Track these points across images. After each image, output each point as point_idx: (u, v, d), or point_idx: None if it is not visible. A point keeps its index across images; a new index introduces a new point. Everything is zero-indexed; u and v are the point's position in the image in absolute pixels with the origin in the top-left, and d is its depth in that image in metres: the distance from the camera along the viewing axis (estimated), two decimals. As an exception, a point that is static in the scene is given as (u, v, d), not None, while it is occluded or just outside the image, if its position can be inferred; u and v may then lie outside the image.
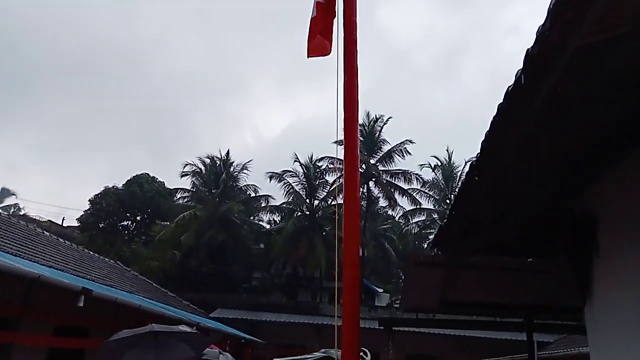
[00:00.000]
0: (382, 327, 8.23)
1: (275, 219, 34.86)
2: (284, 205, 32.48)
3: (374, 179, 31.93)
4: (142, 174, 37.63)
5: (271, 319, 22.49)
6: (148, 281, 18.48)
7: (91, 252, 16.17)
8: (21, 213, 37.95)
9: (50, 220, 34.37)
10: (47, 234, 13.57)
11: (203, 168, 33.96)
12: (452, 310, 6.64)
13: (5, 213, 14.39)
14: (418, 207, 33.74)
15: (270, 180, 31.86)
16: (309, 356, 3.80)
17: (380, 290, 33.61)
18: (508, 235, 3.84)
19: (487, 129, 2.32)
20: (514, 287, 5.47)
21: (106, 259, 16.99)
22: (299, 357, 3.87)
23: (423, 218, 34.51)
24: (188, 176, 33.52)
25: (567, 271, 3.91)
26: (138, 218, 36.95)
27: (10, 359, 7.14)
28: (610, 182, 3.02)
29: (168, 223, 31.51)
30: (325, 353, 4.63)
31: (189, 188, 33.70)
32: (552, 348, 14.03)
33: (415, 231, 35.36)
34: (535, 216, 3.45)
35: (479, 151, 2.58)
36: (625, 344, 2.78)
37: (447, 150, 36.21)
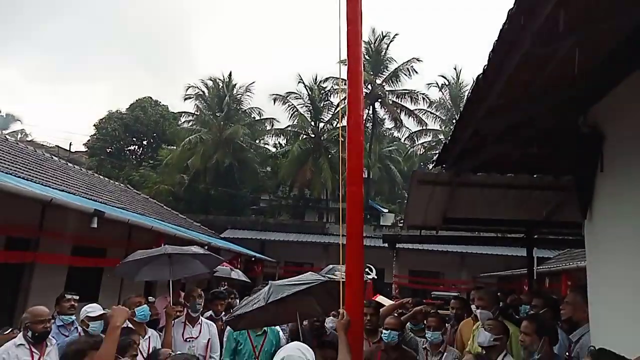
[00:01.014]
0: (386, 244, 8.51)
1: (281, 142, 34.92)
2: (289, 129, 32.36)
3: (379, 100, 31.42)
4: (145, 97, 37.26)
5: (280, 238, 23.25)
6: (159, 204, 18.95)
7: (101, 176, 16.46)
8: (28, 139, 38.17)
9: (57, 146, 34.60)
10: (56, 158, 13.72)
11: (206, 91, 33.50)
12: (455, 227, 6.81)
13: (13, 139, 14.47)
14: (424, 128, 33.51)
15: (275, 102, 31.51)
16: (310, 279, 3.88)
17: (385, 210, 34.39)
18: (512, 152, 3.83)
19: (496, 38, 2.23)
20: (515, 204, 5.55)
21: (116, 183, 17.32)
22: (299, 277, 3.97)
23: (429, 139, 34.40)
24: (191, 99, 33.19)
25: (569, 187, 3.94)
26: (144, 142, 37.17)
27: (33, 275, 7.56)
28: (619, 96, 2.94)
29: (174, 147, 31.69)
30: (332, 269, 4.78)
31: (193, 112, 33.50)
32: (551, 263, 14.56)
33: (421, 153, 35.41)
34: (540, 132, 3.41)
35: (486, 63, 2.50)
36: (622, 254, 2.86)
37: (455, 69, 35.24)
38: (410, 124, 33.12)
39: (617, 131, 3.01)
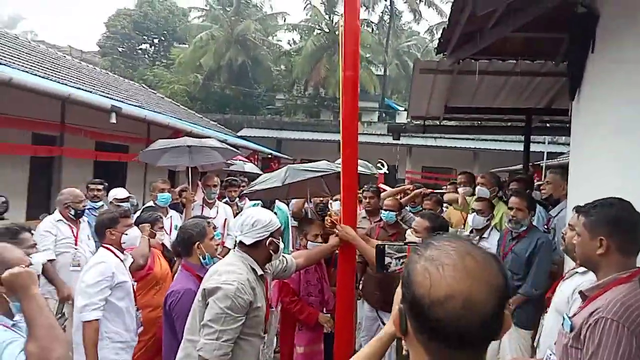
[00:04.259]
0: (392, 135, 8.68)
1: (294, 38, 33.81)
2: (303, 23, 31.11)
3: (398, -9, 29.61)
4: (151, -8, 35.70)
5: (295, 137, 23.58)
6: (175, 103, 19.16)
7: (116, 75, 16.55)
8: (38, 39, 37.63)
9: (70, 46, 34.12)
10: (70, 57, 13.76)
11: (215, -17, 31.91)
12: (456, 117, 6.92)
13: (24, 38, 14.39)
14: (445, 19, 31.77)
15: (287, -6, 29.92)
16: (324, 167, 4.17)
17: (401, 108, 33.97)
18: (512, 37, 3.85)
19: None
20: (516, 92, 5.61)
21: (131, 82, 17.43)
22: (315, 164, 4.27)
23: (449, 32, 32.74)
24: (200, -7, 31.69)
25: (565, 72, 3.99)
26: (155, 41, 36.41)
27: (62, 169, 8.12)
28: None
29: (186, 45, 31.07)
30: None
31: (203, 7, 32.26)
32: (564, 157, 14.66)
33: (441, 47, 33.94)
34: (540, 15, 3.40)
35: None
36: (604, 129, 3.02)
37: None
38: (431, 16, 31.43)
39: (611, 10, 3.01)
